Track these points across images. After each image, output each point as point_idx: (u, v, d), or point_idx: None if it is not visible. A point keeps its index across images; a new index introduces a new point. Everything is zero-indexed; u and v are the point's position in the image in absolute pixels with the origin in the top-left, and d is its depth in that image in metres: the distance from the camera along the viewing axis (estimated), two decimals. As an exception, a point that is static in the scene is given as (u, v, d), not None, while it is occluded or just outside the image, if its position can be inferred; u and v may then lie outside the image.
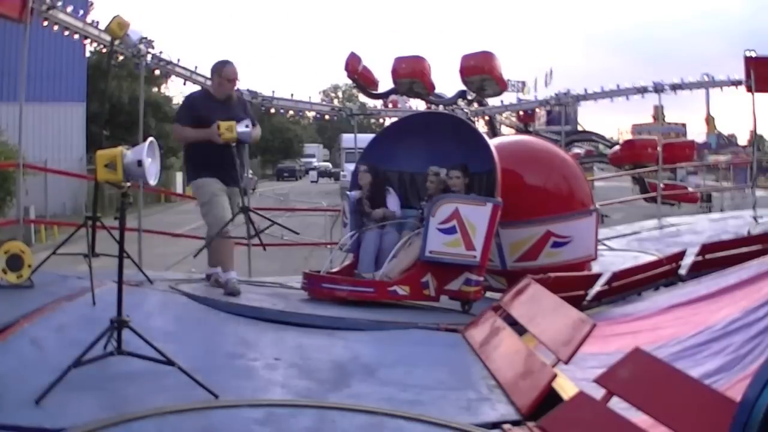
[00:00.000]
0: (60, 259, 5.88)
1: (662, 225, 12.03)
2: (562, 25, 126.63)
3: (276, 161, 60.50)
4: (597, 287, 6.45)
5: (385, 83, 20.25)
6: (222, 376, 3.89)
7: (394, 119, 9.57)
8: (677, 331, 4.28)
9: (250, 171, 7.47)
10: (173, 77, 10.26)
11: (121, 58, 9.74)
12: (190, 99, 6.54)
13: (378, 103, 21.23)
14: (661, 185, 14.19)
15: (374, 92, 21.22)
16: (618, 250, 9.63)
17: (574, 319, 4.04)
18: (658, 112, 22.54)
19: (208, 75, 10.51)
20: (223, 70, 6.23)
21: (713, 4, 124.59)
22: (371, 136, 8.72)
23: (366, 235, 6.59)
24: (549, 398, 3.51)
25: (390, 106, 21.59)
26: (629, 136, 34.32)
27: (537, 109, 20.44)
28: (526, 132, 22.61)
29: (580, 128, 28.63)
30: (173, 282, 6.29)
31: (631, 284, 6.59)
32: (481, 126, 20.42)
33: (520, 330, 4.66)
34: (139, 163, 3.75)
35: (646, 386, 2.96)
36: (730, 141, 43.64)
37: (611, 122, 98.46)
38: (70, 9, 8.34)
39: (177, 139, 6.20)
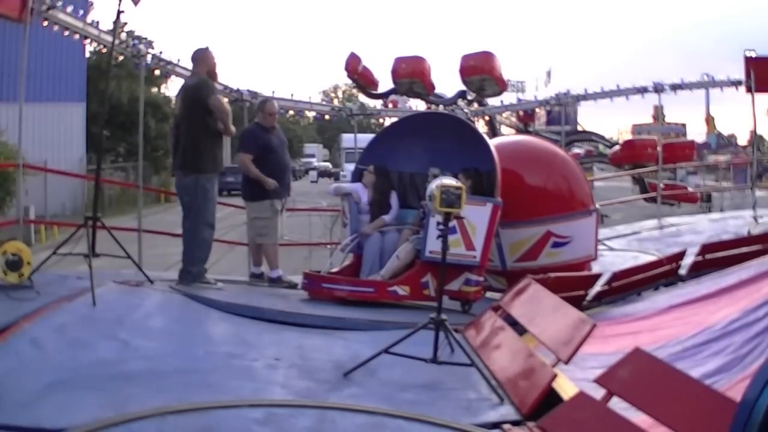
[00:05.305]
0: (60, 259, 5.88)
1: (662, 225, 12.03)
2: (562, 26, 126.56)
3: (276, 161, 60.42)
4: (597, 287, 6.45)
5: (385, 83, 20.21)
6: (222, 376, 3.89)
7: (394, 119, 9.57)
8: (677, 332, 4.28)
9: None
10: (173, 77, 10.26)
11: (121, 58, 9.72)
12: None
13: (378, 103, 21.18)
14: (661, 185, 14.18)
15: (374, 92, 21.19)
16: (618, 250, 9.63)
17: (574, 319, 4.04)
18: (658, 112, 22.53)
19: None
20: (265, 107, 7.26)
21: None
22: (371, 136, 8.72)
23: (368, 238, 6.58)
24: (549, 398, 3.51)
25: (390, 106, 21.57)
26: (629, 136, 34.36)
27: (537, 109, 20.44)
28: (526, 132, 22.61)
29: (580, 128, 28.62)
30: (173, 282, 6.29)
31: (631, 284, 6.58)
32: (481, 126, 20.41)
33: (520, 330, 4.66)
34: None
35: (646, 386, 2.96)
36: (730, 141, 43.67)
37: (611, 122, 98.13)
38: (70, 9, 8.33)
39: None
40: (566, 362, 3.76)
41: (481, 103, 19.29)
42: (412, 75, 18.87)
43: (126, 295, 5.64)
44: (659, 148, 14.76)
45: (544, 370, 3.74)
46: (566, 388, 3.52)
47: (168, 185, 30.96)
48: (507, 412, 3.59)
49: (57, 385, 3.47)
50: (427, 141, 6.97)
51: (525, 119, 24.62)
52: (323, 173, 53.80)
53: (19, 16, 7.35)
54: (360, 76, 20.67)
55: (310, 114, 14.08)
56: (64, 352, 4.04)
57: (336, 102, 53.14)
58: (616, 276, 6.55)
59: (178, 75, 9.98)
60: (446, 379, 4.06)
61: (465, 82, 18.49)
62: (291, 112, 13.22)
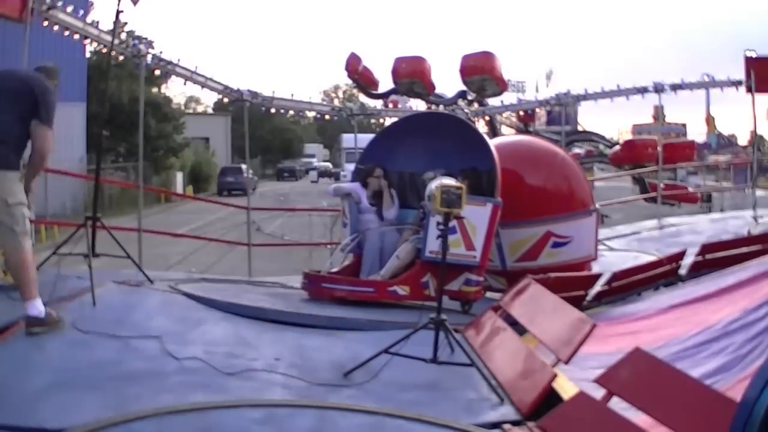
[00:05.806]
0: (60, 259, 5.88)
1: (662, 225, 12.02)
2: (563, 26, 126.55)
3: (276, 161, 60.65)
4: (597, 287, 6.45)
5: (385, 83, 20.22)
6: (222, 376, 3.89)
7: (394, 119, 9.56)
8: (677, 331, 4.28)
9: (251, 171, 7.41)
10: (173, 77, 10.25)
11: (121, 58, 9.71)
12: None
13: (378, 103, 21.17)
14: (661, 185, 14.17)
15: (374, 92, 21.20)
16: (618, 250, 9.63)
17: (574, 319, 4.05)
18: (658, 112, 22.52)
19: (209, 75, 10.57)
20: None
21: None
22: (371, 136, 8.72)
23: (368, 238, 6.58)
24: (549, 398, 3.51)
25: (390, 106, 21.56)
26: (629, 136, 34.29)
27: (537, 109, 20.42)
28: (526, 132, 22.59)
29: (580, 128, 28.59)
30: (173, 282, 6.29)
31: (631, 284, 6.59)
32: (481, 126, 20.39)
33: (520, 330, 4.67)
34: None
35: (646, 386, 2.96)
36: (730, 141, 43.59)
37: (611, 122, 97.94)
38: (70, 9, 8.33)
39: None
40: (566, 362, 3.76)
41: (481, 103, 19.29)
42: (412, 75, 18.87)
43: (126, 295, 5.64)
44: (659, 148, 14.76)
45: (544, 370, 3.75)
46: (566, 388, 3.52)
47: (168, 185, 31.03)
48: (507, 412, 3.59)
49: (57, 385, 3.47)
50: (427, 141, 6.97)
51: (525, 119, 24.59)
52: (323, 173, 53.85)
53: (19, 16, 7.36)
54: (360, 76, 20.69)
55: (311, 114, 14.07)
56: (64, 352, 4.04)
57: (336, 102, 53.20)
58: (616, 276, 6.55)
59: (179, 75, 9.97)
60: (446, 379, 4.06)
61: (465, 82, 18.49)
62: (291, 112, 13.20)
